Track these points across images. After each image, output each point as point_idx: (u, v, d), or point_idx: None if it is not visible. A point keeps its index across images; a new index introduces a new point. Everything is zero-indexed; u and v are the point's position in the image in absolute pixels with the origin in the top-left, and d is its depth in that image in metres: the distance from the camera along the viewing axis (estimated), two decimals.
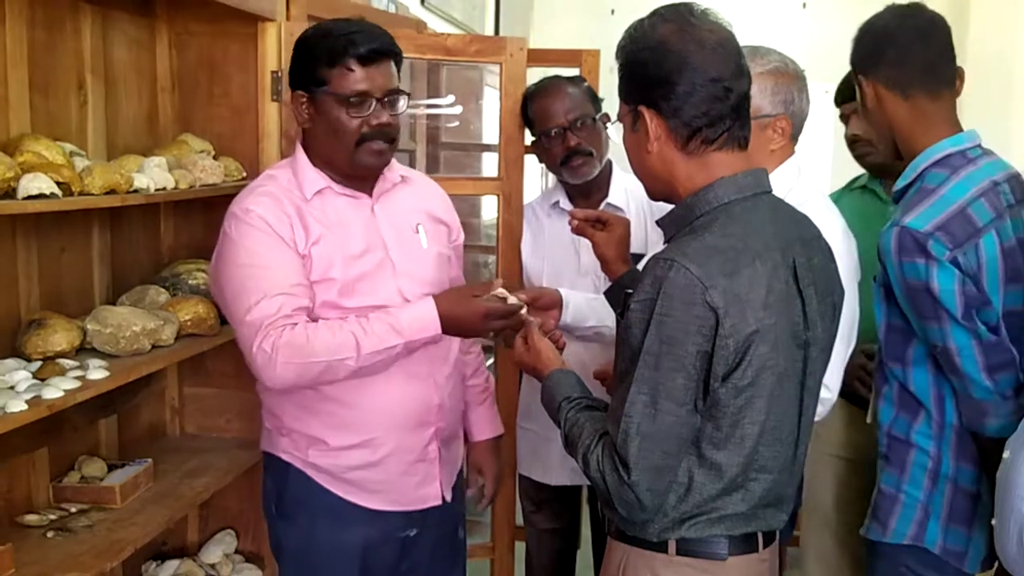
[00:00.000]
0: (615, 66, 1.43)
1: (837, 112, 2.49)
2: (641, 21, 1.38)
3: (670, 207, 1.43)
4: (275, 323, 1.61)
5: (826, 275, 1.42)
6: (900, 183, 1.76)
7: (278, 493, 1.84)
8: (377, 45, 1.70)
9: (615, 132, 1.47)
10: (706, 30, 1.34)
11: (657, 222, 1.45)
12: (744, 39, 1.40)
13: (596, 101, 2.36)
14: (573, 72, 2.59)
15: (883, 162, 2.29)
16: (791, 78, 1.85)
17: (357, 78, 1.68)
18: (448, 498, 1.90)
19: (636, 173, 1.45)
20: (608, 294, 1.83)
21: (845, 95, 2.34)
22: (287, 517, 1.84)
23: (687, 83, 1.31)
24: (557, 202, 2.45)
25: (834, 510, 2.30)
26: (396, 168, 1.87)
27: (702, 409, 1.29)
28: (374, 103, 1.69)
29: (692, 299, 1.23)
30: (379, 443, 1.78)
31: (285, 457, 1.82)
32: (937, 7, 1.81)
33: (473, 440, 2.09)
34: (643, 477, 1.28)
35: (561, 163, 2.32)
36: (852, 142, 2.39)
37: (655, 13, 1.37)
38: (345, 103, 1.68)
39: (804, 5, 5.78)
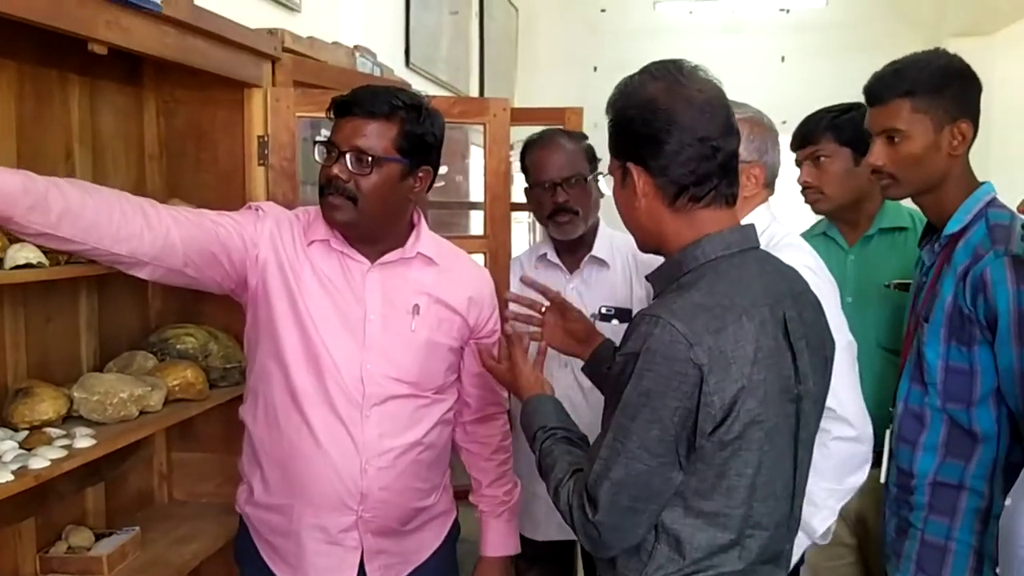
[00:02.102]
0: (599, 122, 1.45)
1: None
2: (631, 78, 1.39)
3: (655, 261, 1.44)
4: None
5: (817, 329, 1.42)
6: (953, 227, 1.77)
7: (235, 544, 1.93)
8: (351, 98, 1.69)
9: (606, 185, 1.48)
10: (696, 89, 1.35)
11: (647, 277, 1.46)
12: (726, 91, 1.42)
13: (593, 160, 2.38)
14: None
15: (832, 209, 2.36)
16: (765, 129, 1.90)
17: (333, 128, 1.70)
18: None
19: (626, 225, 1.46)
20: (587, 369, 1.81)
21: (800, 142, 2.37)
22: (240, 567, 1.92)
23: (675, 142, 1.32)
24: (545, 254, 2.47)
25: None
26: (424, 244, 1.81)
27: (686, 465, 1.28)
28: (337, 154, 1.67)
29: (676, 355, 1.23)
30: (296, 513, 1.76)
31: (238, 508, 1.89)
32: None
33: (480, 554, 1.99)
34: (608, 518, 1.30)
35: (548, 216, 2.35)
36: (804, 188, 2.40)
37: (645, 71, 1.38)
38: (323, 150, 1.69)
39: (783, 59, 5.91)
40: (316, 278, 1.74)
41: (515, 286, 2.51)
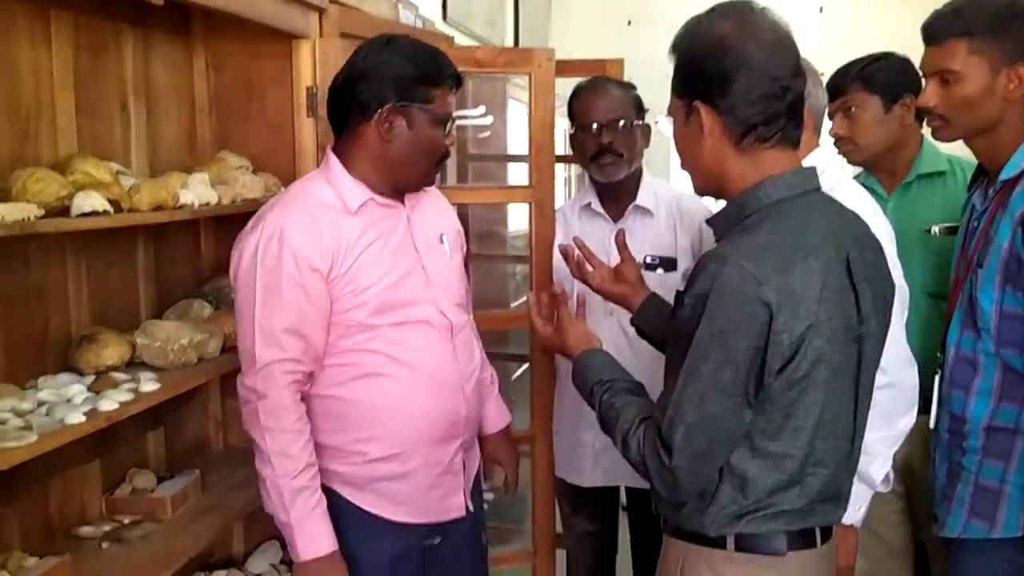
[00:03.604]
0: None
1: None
2: (699, 17, 1.39)
3: (699, 210, 1.44)
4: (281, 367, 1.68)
5: (878, 270, 1.43)
6: (1009, 172, 1.74)
7: None
8: (456, 71, 1.80)
9: (666, 125, 1.48)
10: (766, 28, 1.35)
11: (707, 221, 1.47)
12: None
13: (640, 110, 2.38)
14: None
15: (866, 159, 2.34)
16: (808, 72, 1.88)
17: (450, 101, 1.78)
18: (471, 507, 1.93)
19: (686, 167, 1.46)
20: (637, 320, 1.84)
21: (830, 95, 2.33)
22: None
23: (745, 81, 1.32)
24: (589, 204, 2.47)
25: None
26: None
27: (755, 403, 1.30)
28: (450, 126, 1.79)
29: (745, 295, 1.24)
30: (408, 456, 1.79)
31: (335, 486, 1.80)
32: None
33: (486, 433, 2.09)
34: (685, 462, 1.30)
35: (591, 158, 2.36)
36: (836, 140, 2.37)
37: (713, 10, 1.38)
38: (441, 124, 1.76)
39: (821, 9, 5.81)
40: (373, 240, 1.75)
41: (560, 237, 2.52)
